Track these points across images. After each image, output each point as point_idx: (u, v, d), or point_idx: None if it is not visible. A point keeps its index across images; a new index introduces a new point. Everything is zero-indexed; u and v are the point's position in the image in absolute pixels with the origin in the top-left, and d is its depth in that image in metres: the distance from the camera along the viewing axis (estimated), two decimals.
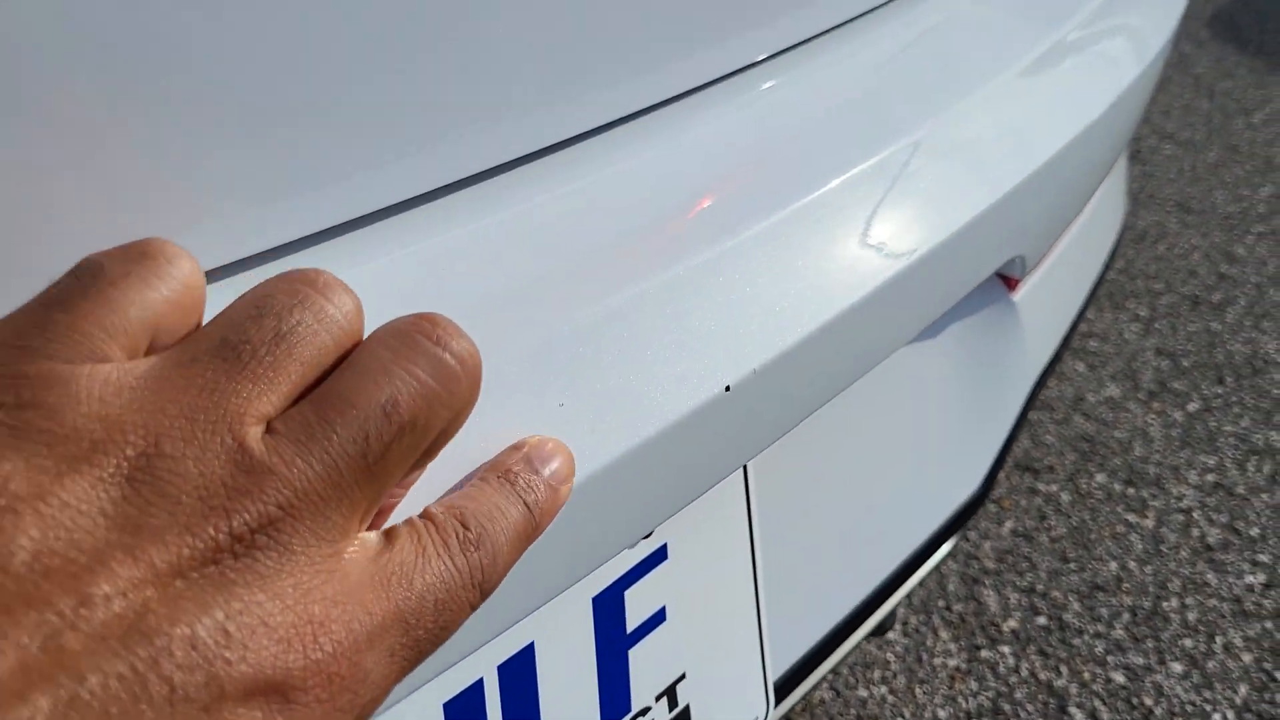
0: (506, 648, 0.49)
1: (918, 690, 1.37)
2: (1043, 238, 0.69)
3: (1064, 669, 1.40)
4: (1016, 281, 0.74)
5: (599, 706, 0.54)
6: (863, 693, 1.37)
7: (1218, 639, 1.43)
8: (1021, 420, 0.81)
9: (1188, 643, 1.43)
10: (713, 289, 0.46)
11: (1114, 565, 1.55)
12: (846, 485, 0.72)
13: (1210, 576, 1.53)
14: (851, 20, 0.62)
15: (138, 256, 0.28)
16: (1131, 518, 1.63)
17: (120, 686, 0.22)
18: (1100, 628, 1.46)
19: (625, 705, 0.55)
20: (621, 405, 0.41)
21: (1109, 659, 1.41)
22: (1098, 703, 1.35)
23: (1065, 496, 1.68)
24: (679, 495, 0.47)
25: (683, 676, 0.58)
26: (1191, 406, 1.85)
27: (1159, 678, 1.38)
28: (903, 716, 1.34)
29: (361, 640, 0.27)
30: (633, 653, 0.55)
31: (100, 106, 0.32)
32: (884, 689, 1.38)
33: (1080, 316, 0.91)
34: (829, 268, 0.49)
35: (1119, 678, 1.38)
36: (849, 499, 0.72)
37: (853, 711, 1.35)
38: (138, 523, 0.24)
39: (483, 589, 0.32)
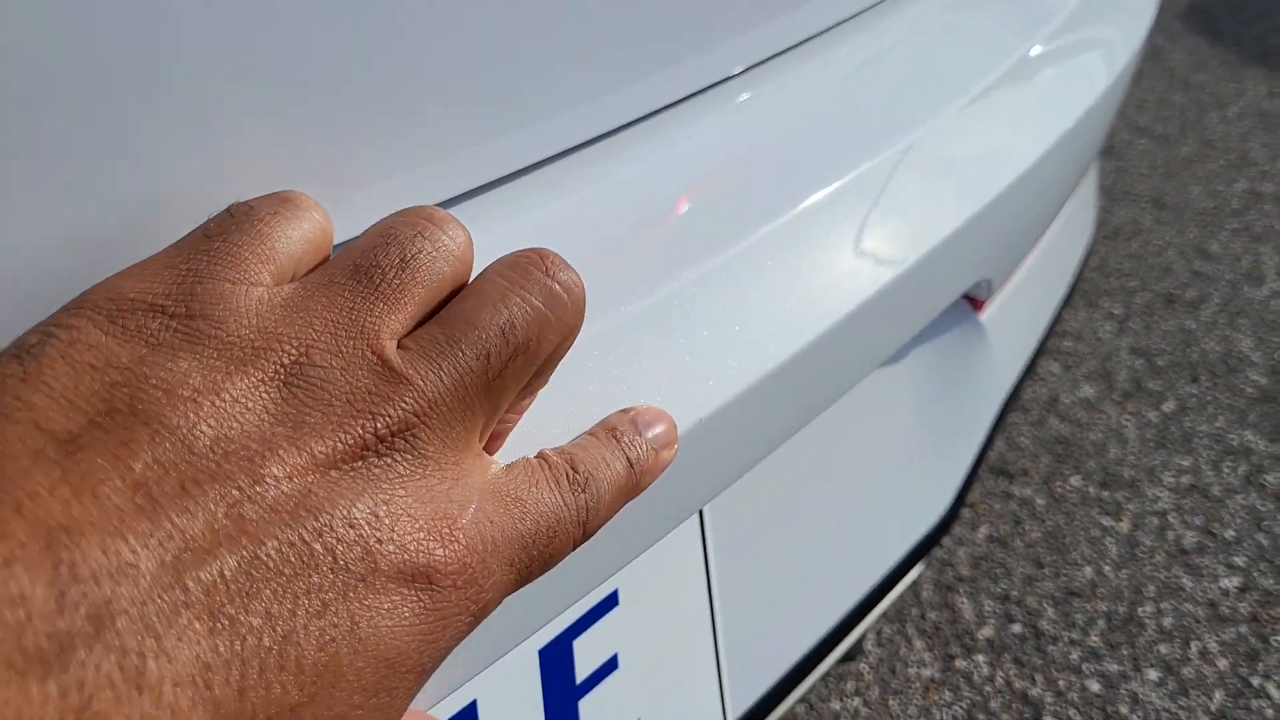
0: (448, 707, 0.47)
1: (892, 702, 1.36)
2: (1008, 259, 0.67)
3: (1039, 678, 1.38)
4: (983, 302, 0.72)
5: None
6: (836, 705, 1.35)
7: (1193, 645, 1.42)
8: (990, 441, 0.79)
9: (1163, 649, 1.42)
10: (659, 335, 0.44)
11: (1089, 570, 1.54)
12: (809, 513, 0.70)
13: (1186, 581, 1.52)
14: (806, 40, 0.59)
15: (281, 202, 0.32)
16: (1106, 521, 1.62)
17: (291, 553, 0.26)
18: (1075, 635, 1.44)
19: None
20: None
21: (1084, 667, 1.40)
22: (1073, 711, 1.34)
23: (1040, 500, 1.66)
24: (631, 547, 0.44)
25: None
26: (1166, 407, 1.84)
27: (1134, 685, 1.37)
28: None
29: (488, 542, 0.30)
30: (583, 703, 0.53)
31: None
32: (857, 700, 1.36)
33: (1049, 332, 0.89)
34: (781, 308, 0.47)
35: (1094, 686, 1.37)
36: (812, 528, 0.70)
37: None
38: (296, 419, 0.28)
39: (586, 528, 0.35)
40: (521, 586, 0.33)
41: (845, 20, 0.62)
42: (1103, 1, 0.78)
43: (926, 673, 1.40)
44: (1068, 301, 0.93)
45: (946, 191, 0.56)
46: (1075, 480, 1.70)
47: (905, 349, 0.71)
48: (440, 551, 0.29)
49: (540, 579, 0.38)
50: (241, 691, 0.24)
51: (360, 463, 0.28)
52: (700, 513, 0.57)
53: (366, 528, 0.27)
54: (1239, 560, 1.54)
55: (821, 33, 0.60)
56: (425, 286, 0.32)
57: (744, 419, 0.45)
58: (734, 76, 0.55)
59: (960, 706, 1.35)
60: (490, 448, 0.37)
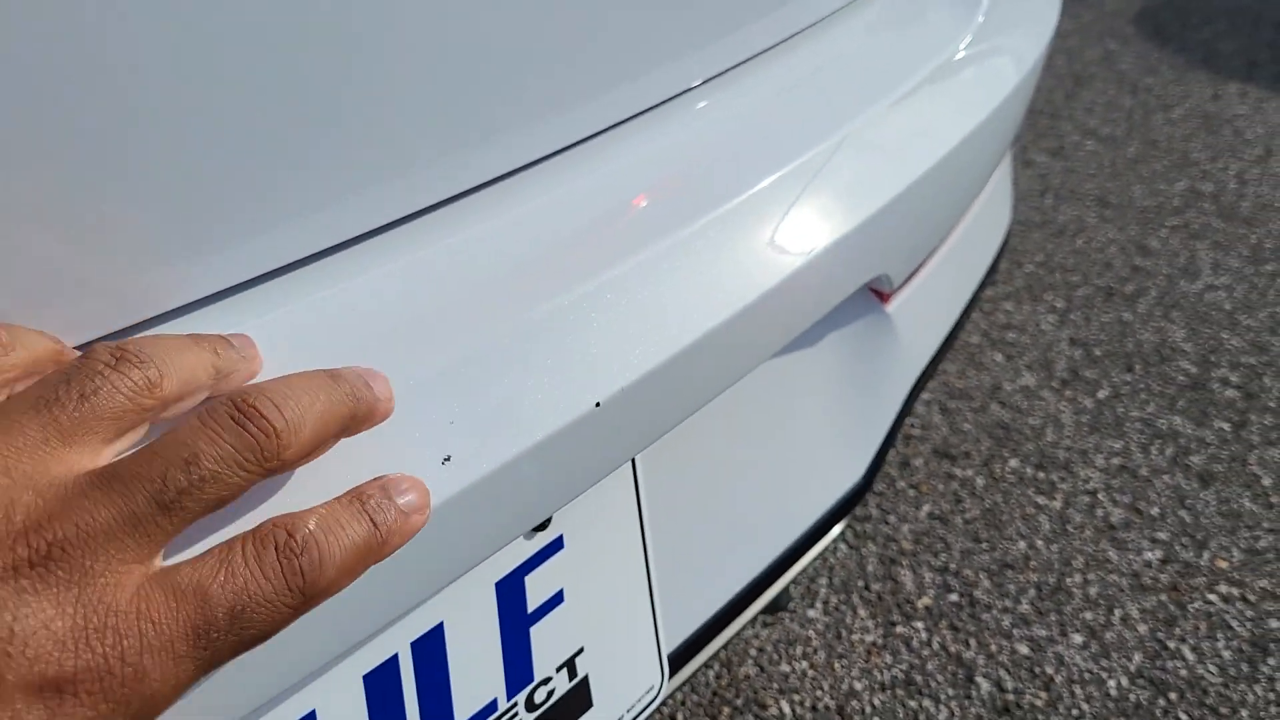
0: (418, 626, 0.57)
1: (836, 665, 1.47)
2: (906, 258, 0.77)
3: (973, 642, 1.50)
4: (889, 295, 0.83)
5: (504, 677, 0.62)
6: (785, 667, 1.46)
7: (1116, 611, 1.54)
8: (900, 419, 0.90)
9: (1088, 615, 1.53)
10: (590, 316, 0.54)
11: (1023, 545, 1.66)
12: (734, 475, 0.80)
13: (1112, 554, 1.64)
14: (728, 70, 0.70)
15: None
16: (1041, 500, 1.74)
17: None
18: (1008, 603, 1.56)
19: (528, 676, 0.64)
20: (505, 422, 0.49)
21: (1014, 632, 1.51)
22: (1003, 672, 1.45)
23: (980, 481, 1.78)
24: (565, 490, 0.55)
25: (581, 650, 0.67)
26: (1101, 394, 1.96)
27: (1060, 648, 1.48)
28: (821, 689, 1.44)
29: (143, 645, 0.32)
30: (534, 630, 0.63)
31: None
32: (805, 664, 1.47)
33: (960, 324, 1.00)
34: (693, 293, 0.57)
35: (1023, 649, 1.49)
36: (736, 488, 0.80)
37: (775, 685, 1.44)
38: None
39: (305, 593, 0.36)
40: (210, 671, 0.35)
41: (752, 56, 0.72)
42: (1005, 17, 0.88)
43: (869, 638, 1.51)
44: (974, 306, 1.04)
45: (843, 197, 0.67)
46: (1014, 462, 1.81)
47: (820, 333, 0.82)
48: (71, 662, 0.30)
49: (489, 518, 0.48)
50: None
51: (13, 578, 0.30)
52: (634, 469, 0.68)
53: (2, 641, 0.29)
54: (1162, 535, 1.66)
55: (731, 68, 0.71)
56: (112, 422, 0.34)
57: (661, 388, 0.55)
58: (675, 96, 0.65)
59: (899, 669, 1.46)
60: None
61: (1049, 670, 1.45)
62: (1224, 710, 1.39)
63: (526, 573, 0.62)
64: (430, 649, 0.57)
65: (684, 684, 1.43)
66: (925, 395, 1.97)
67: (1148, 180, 2.66)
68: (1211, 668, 1.44)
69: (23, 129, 0.36)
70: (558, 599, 0.64)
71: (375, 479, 0.42)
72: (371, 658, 0.54)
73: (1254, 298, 2.18)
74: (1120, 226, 2.47)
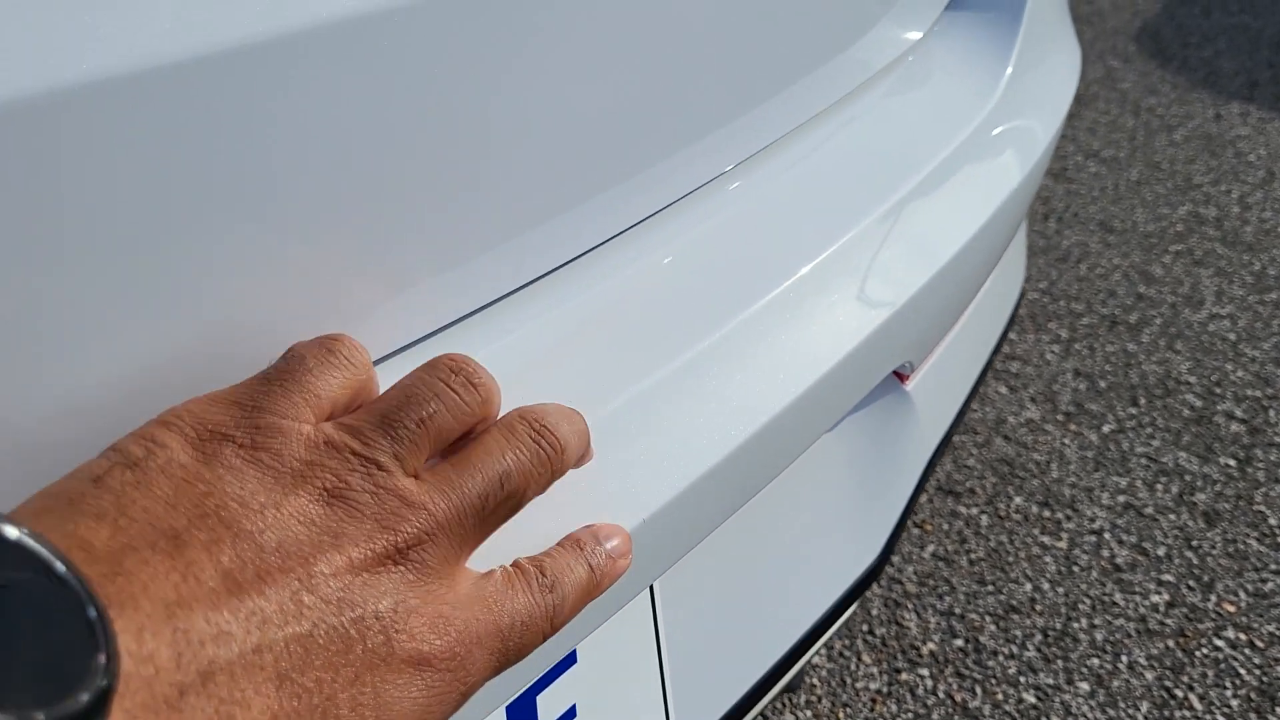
0: None
1: (841, 714, 1.45)
2: (926, 344, 0.75)
3: (979, 690, 1.48)
4: (907, 376, 0.81)
5: None
6: (789, 717, 1.44)
7: (1123, 658, 1.52)
8: (916, 495, 0.88)
9: (1095, 662, 1.52)
10: (614, 439, 0.52)
11: (1028, 587, 1.64)
12: (749, 563, 0.78)
13: (1118, 597, 1.62)
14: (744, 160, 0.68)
15: (326, 351, 0.41)
16: (1046, 540, 1.72)
17: (335, 634, 0.34)
18: (1014, 649, 1.54)
19: None
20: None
21: (1021, 679, 1.49)
22: None
23: (984, 519, 1.76)
24: (584, 626, 0.53)
25: None
26: (1106, 428, 1.95)
27: (1067, 697, 1.47)
28: None
29: (472, 637, 0.38)
30: None
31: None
32: (809, 713, 1.45)
33: (974, 391, 0.98)
34: (717, 411, 0.55)
35: (1030, 698, 1.47)
36: (752, 576, 0.78)
37: None
38: (336, 531, 0.36)
39: (554, 623, 0.43)
40: (500, 671, 0.41)
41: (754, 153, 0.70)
42: (1024, 90, 0.86)
43: (874, 685, 1.49)
44: (988, 371, 1.02)
45: (868, 294, 0.65)
46: (1018, 500, 1.80)
47: (847, 423, 0.80)
48: (438, 642, 0.37)
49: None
50: None
51: (383, 568, 0.36)
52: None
53: (388, 620, 0.35)
54: (1168, 576, 1.65)
55: (740, 162, 0.68)
56: (438, 438, 0.40)
57: (684, 512, 0.53)
58: (694, 190, 0.63)
59: (905, 717, 1.44)
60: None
61: None
62: None
63: (538, 692, 0.60)
64: None
65: None
66: None
67: (1150, 204, 2.65)
68: (1220, 718, 1.43)
69: None
70: (570, 714, 0.62)
71: (585, 527, 0.48)
72: None
73: (1258, 327, 2.17)
74: (1123, 252, 2.46)
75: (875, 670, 1.51)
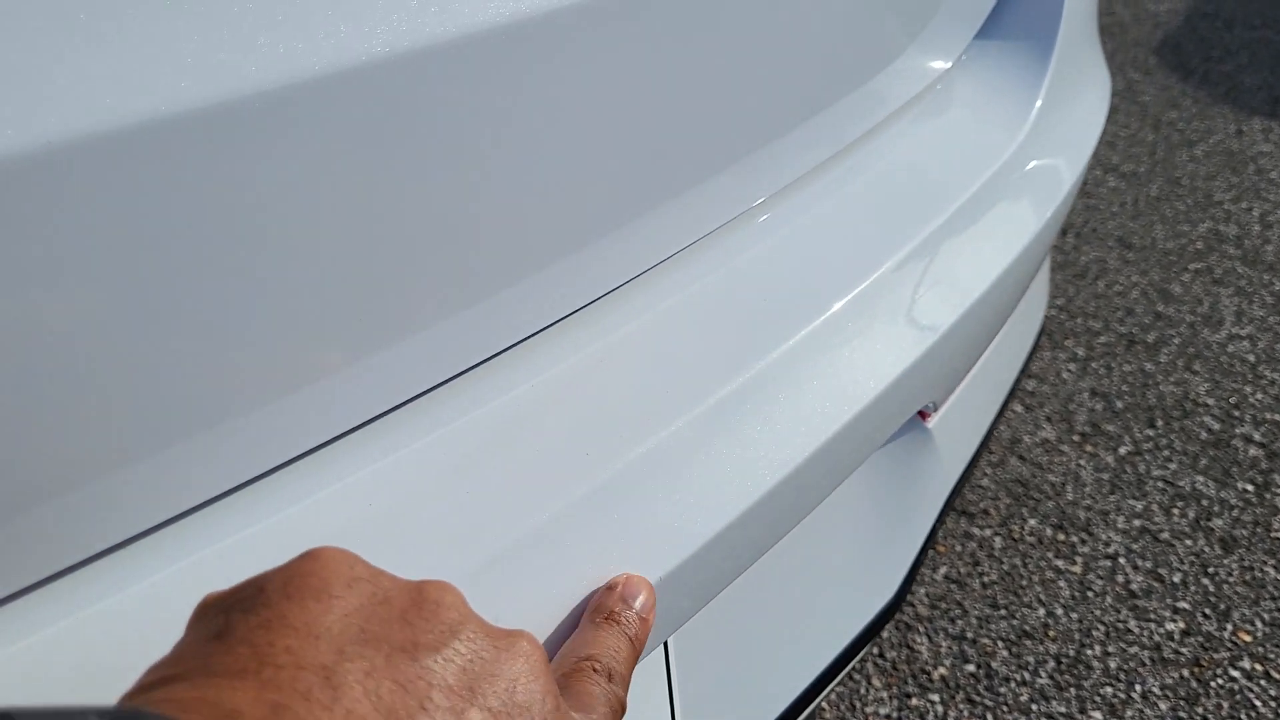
0: None
1: None
2: (950, 383, 0.73)
3: (990, 717, 1.46)
4: (929, 414, 0.79)
5: None
6: None
7: (1137, 687, 1.50)
8: (935, 533, 0.86)
9: (1109, 691, 1.50)
10: (631, 492, 0.50)
11: (1041, 612, 1.62)
12: (764, 605, 0.76)
13: (1133, 624, 1.60)
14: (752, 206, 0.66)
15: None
16: (1060, 564, 1.70)
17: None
18: (1026, 675, 1.52)
19: None
20: (539, 628, 0.45)
21: (1033, 707, 1.47)
22: None
23: (998, 541, 1.74)
24: None
25: None
26: (1123, 450, 1.92)
27: None
28: None
29: None
30: None
31: None
32: None
33: (994, 427, 0.96)
34: (736, 465, 0.54)
35: None
36: (766, 619, 0.76)
37: None
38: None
39: (622, 704, 0.44)
40: None
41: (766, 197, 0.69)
42: (1053, 124, 0.84)
43: (884, 710, 1.47)
44: (1016, 389, 1.00)
45: (892, 339, 0.63)
46: (1033, 522, 1.78)
47: (870, 460, 0.78)
48: None
49: None
50: None
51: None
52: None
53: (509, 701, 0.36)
54: (1184, 604, 1.63)
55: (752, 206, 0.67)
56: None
57: (699, 569, 0.51)
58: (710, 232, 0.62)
59: None
60: None
61: None
62: None
63: None
64: None
65: None
66: None
67: (1170, 221, 2.62)
68: None
69: None
70: None
71: (609, 587, 0.49)
72: None
73: (1278, 349, 2.14)
74: (1142, 270, 2.43)
75: (885, 695, 1.50)
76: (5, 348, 0.33)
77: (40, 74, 0.31)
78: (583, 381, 0.55)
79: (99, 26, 0.33)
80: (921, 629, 1.59)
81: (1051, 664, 1.54)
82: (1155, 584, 1.66)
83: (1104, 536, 1.75)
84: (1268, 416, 1.98)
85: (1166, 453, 1.91)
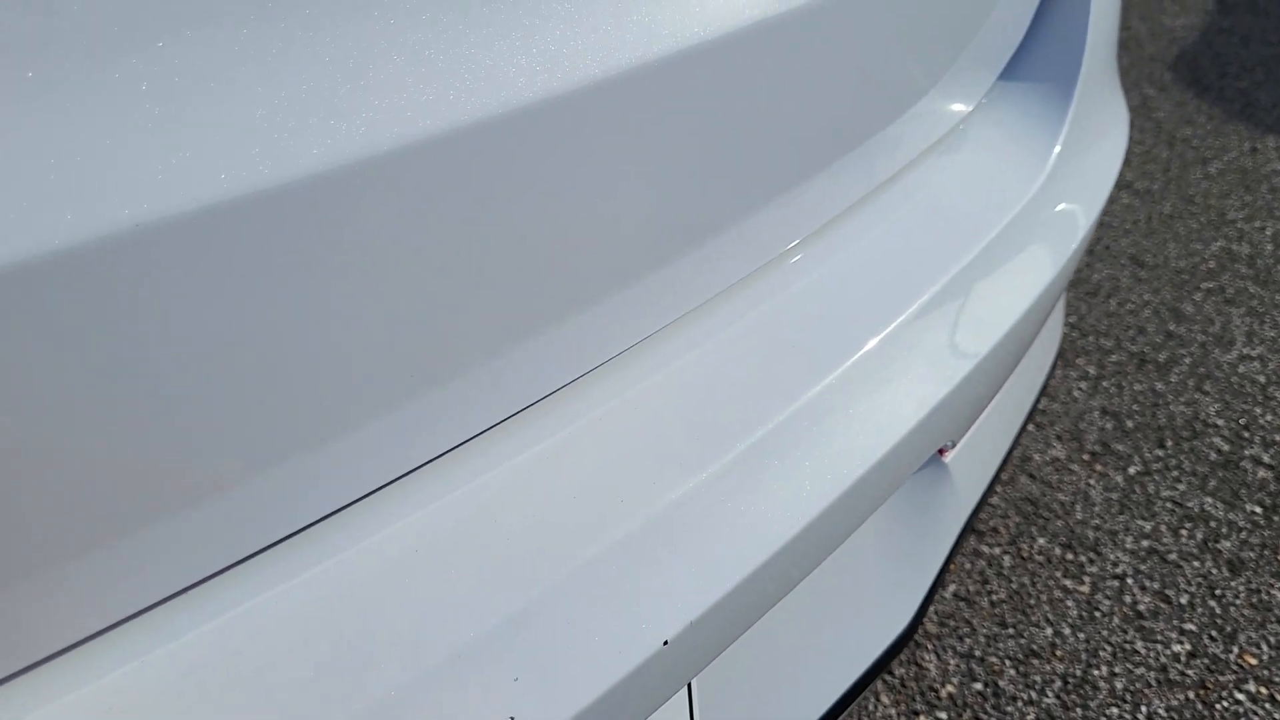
0: None
1: None
2: (968, 422, 0.75)
3: None
4: (947, 449, 0.81)
5: None
6: None
7: (1143, 708, 1.52)
8: (948, 562, 0.88)
9: (1114, 711, 1.51)
10: (656, 540, 0.52)
11: (1049, 631, 1.64)
12: (781, 634, 0.78)
13: (1140, 645, 1.61)
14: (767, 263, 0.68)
15: None
16: (1069, 583, 1.72)
17: None
18: (1033, 694, 1.54)
19: None
20: (569, 674, 0.47)
21: None
22: None
23: (1007, 560, 1.76)
24: (636, 715, 0.53)
25: None
26: (1132, 469, 1.94)
27: None
28: None
29: None
30: None
31: None
32: None
33: (1008, 458, 0.98)
34: (760, 513, 0.56)
35: None
36: (783, 646, 0.78)
37: None
38: None
39: None
40: None
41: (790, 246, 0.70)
42: (1073, 165, 0.86)
43: None
44: (1030, 419, 1.02)
45: (912, 387, 0.65)
46: (1041, 541, 1.79)
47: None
48: None
49: None
50: None
51: None
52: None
53: None
54: (1190, 626, 1.64)
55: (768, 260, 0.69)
56: None
57: (727, 613, 0.53)
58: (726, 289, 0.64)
59: None
60: None
61: None
62: None
63: None
64: None
65: None
66: None
67: (1183, 239, 2.63)
68: None
69: None
70: None
71: None
72: None
73: None
74: (1154, 289, 2.44)
75: (893, 712, 1.51)
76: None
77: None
78: (615, 428, 0.56)
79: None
80: (930, 646, 1.61)
81: (1058, 683, 1.55)
82: (1162, 605, 1.68)
83: (1112, 557, 1.76)
84: (1278, 438, 1.99)
85: (1176, 473, 1.93)
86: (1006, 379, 0.80)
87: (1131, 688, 1.55)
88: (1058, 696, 1.53)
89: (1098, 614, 1.66)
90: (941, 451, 0.81)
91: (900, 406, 0.63)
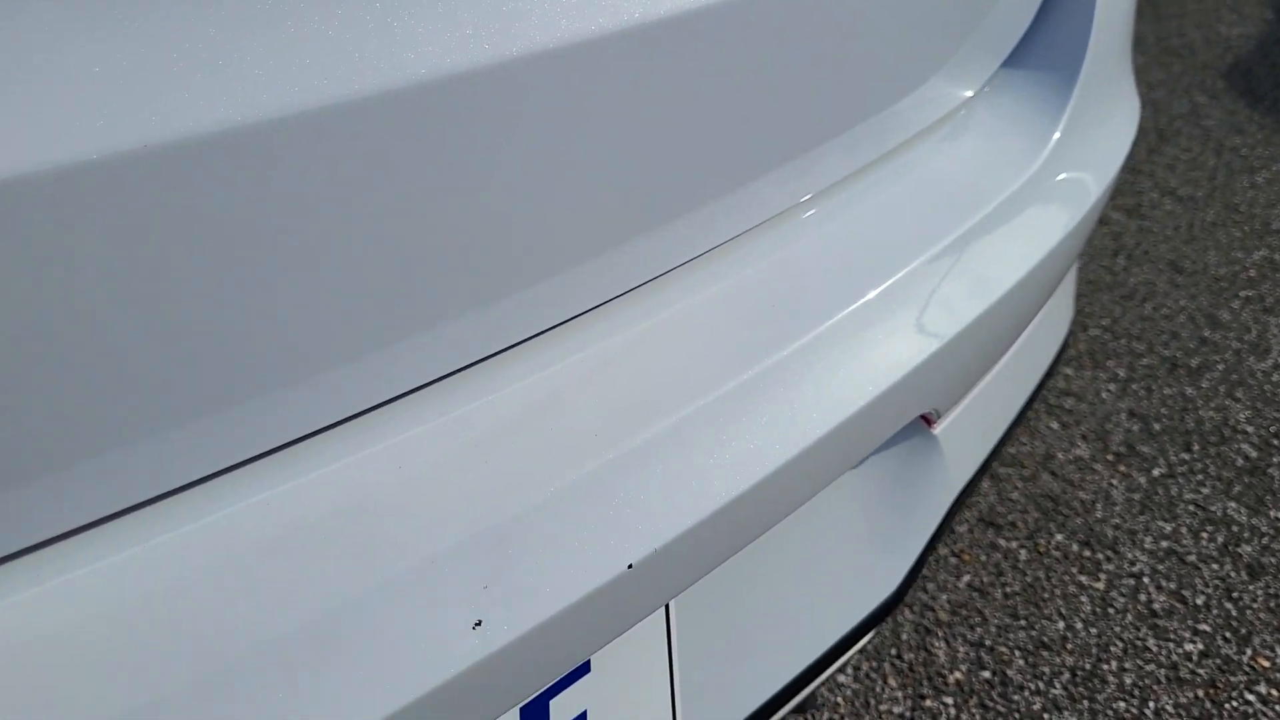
0: None
1: None
2: (953, 393, 0.78)
3: None
4: (935, 420, 0.84)
5: None
6: None
7: (1150, 704, 1.53)
8: (939, 535, 0.91)
9: (1121, 705, 1.53)
10: (640, 465, 0.56)
11: (1061, 625, 1.65)
12: (765, 588, 0.82)
13: (1151, 642, 1.62)
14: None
15: None
16: (1084, 579, 1.73)
17: None
18: (1041, 685, 1.55)
19: None
20: (536, 587, 0.51)
21: (1045, 716, 1.51)
22: None
23: (1023, 554, 1.77)
24: (593, 641, 0.57)
25: None
26: (1156, 471, 1.94)
27: None
28: None
29: None
30: None
31: None
32: None
33: (1006, 439, 1.00)
34: (740, 447, 0.59)
35: None
36: (766, 603, 0.82)
37: None
38: None
39: None
40: None
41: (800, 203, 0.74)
42: (1079, 142, 0.88)
43: (897, 710, 1.51)
44: (1023, 418, 1.04)
45: (898, 344, 0.68)
46: (1060, 537, 1.81)
47: (872, 460, 0.83)
48: None
49: (529, 663, 0.50)
50: None
51: None
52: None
53: None
54: (1204, 626, 1.65)
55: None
56: None
57: (697, 542, 0.57)
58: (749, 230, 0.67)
59: None
60: None
61: None
62: None
63: (551, 697, 0.64)
64: None
65: None
66: None
67: (1224, 247, 2.62)
68: None
69: None
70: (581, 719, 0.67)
71: None
72: None
73: None
74: (1191, 295, 2.44)
75: (900, 694, 1.54)
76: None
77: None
78: (605, 370, 0.60)
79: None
80: (940, 634, 1.63)
81: (1067, 676, 1.57)
82: (1178, 605, 1.68)
83: (1130, 555, 1.77)
84: None
85: (1200, 477, 1.93)
86: (994, 360, 0.82)
87: (1141, 683, 1.56)
88: (1065, 688, 1.55)
89: (1111, 610, 1.67)
90: (930, 423, 0.84)
91: (880, 363, 0.66)
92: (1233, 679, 1.56)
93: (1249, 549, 1.78)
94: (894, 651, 1.60)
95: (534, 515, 0.53)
